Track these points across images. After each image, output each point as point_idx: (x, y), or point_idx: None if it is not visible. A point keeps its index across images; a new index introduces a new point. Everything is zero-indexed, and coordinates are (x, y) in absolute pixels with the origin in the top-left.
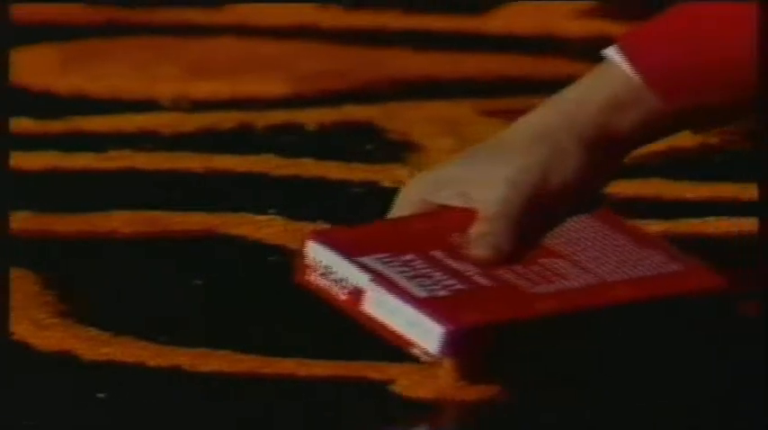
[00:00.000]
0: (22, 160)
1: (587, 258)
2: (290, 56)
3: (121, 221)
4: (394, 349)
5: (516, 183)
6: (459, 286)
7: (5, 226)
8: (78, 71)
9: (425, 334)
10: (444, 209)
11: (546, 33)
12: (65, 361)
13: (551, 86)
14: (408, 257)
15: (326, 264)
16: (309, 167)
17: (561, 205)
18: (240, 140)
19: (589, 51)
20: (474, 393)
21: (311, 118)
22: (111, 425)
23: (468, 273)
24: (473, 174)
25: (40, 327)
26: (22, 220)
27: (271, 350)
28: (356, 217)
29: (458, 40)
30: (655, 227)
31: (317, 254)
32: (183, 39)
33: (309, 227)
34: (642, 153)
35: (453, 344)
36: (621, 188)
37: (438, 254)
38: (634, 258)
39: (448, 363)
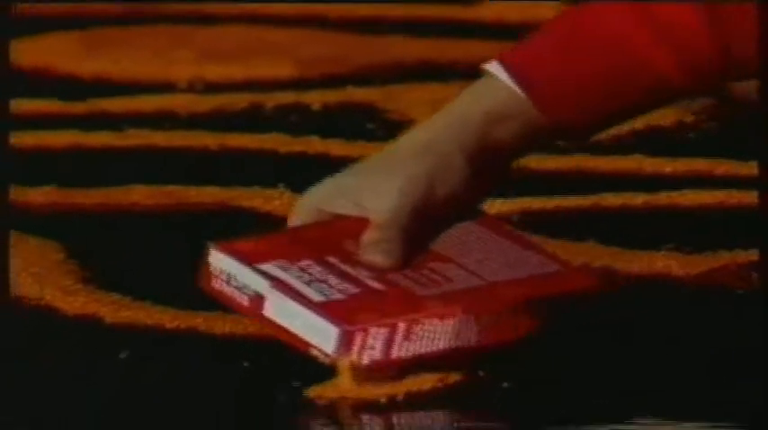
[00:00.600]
0: (48, 138)
1: (473, 261)
2: (296, 42)
3: (140, 195)
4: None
5: (405, 192)
6: (353, 290)
7: (5, 198)
8: (100, 56)
9: (322, 335)
10: (339, 217)
11: (533, 22)
12: (89, 323)
13: None
14: (305, 263)
15: (229, 272)
16: (315, 145)
17: (448, 212)
18: (251, 120)
19: None
20: (372, 392)
21: (316, 99)
22: (132, 381)
23: (361, 278)
24: (365, 184)
25: (66, 293)
26: (46, 194)
27: None
28: None
29: (451, 28)
30: (637, 199)
31: (219, 262)
32: (197, 27)
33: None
34: (623, 131)
35: (348, 344)
36: (604, 163)
37: (333, 259)
38: (516, 260)
39: (345, 364)
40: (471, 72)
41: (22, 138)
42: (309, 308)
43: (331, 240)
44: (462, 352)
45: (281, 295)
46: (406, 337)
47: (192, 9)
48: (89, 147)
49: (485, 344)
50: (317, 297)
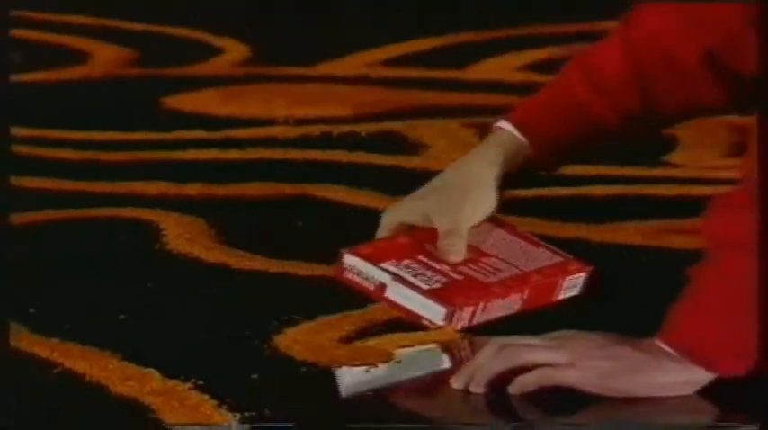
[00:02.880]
0: (200, 154)
1: (507, 256)
2: (352, 93)
3: (258, 189)
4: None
5: (457, 211)
6: (444, 280)
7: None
8: (230, 103)
9: (433, 312)
10: (414, 228)
11: (505, 82)
12: (221, 269)
13: (500, 112)
14: (406, 262)
15: (359, 268)
16: (362, 157)
17: (481, 221)
18: (323, 142)
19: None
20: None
21: (364, 129)
22: (168, 306)
23: (444, 271)
24: (430, 206)
25: (207, 249)
26: (198, 188)
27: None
28: (385, 182)
29: (451, 83)
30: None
31: (350, 261)
32: (290, 83)
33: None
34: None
35: (450, 318)
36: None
37: (423, 258)
38: (534, 254)
39: (447, 329)
40: (462, 112)
41: (185, 154)
42: (421, 293)
43: (417, 245)
44: (511, 316)
45: (400, 285)
46: (483, 311)
47: (286, 72)
48: (223, 159)
49: (526, 309)
50: (423, 285)
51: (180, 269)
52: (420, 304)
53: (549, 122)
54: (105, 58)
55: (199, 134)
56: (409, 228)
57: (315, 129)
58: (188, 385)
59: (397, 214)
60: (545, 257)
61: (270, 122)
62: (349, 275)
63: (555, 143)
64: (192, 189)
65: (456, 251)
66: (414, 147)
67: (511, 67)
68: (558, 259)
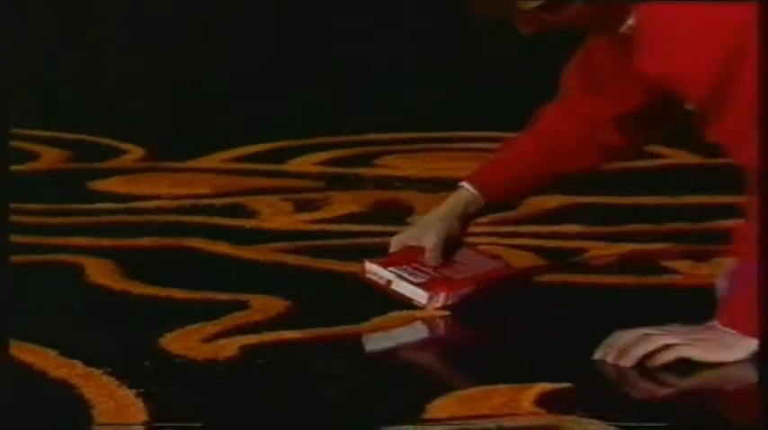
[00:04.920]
0: (107, 218)
1: (467, 263)
2: (211, 178)
3: (146, 240)
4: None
5: (437, 237)
6: (428, 277)
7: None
8: (132, 185)
9: (420, 296)
10: (411, 247)
11: (309, 172)
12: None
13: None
14: (405, 267)
15: (375, 271)
16: (219, 220)
17: (452, 244)
18: (192, 210)
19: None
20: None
21: (218, 201)
22: (89, 318)
23: (429, 272)
24: (421, 232)
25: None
26: (108, 242)
27: None
28: (233, 237)
29: (274, 173)
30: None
31: (370, 267)
32: (170, 172)
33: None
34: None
35: (430, 300)
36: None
37: (417, 265)
38: (484, 262)
39: (427, 307)
40: (284, 191)
41: (101, 219)
42: (413, 285)
43: (412, 257)
44: (470, 296)
45: (400, 280)
46: (453, 296)
47: (168, 165)
48: (127, 221)
49: (473, 298)
50: (415, 280)
51: (97, 295)
52: (412, 292)
53: (496, 179)
54: (50, 157)
55: (110, 206)
56: (409, 247)
57: (186, 202)
58: (101, 371)
59: (400, 238)
60: (490, 263)
61: (157, 197)
62: (368, 275)
63: (501, 193)
64: (105, 241)
65: (435, 259)
66: (251, 214)
67: (313, 162)
68: (497, 264)
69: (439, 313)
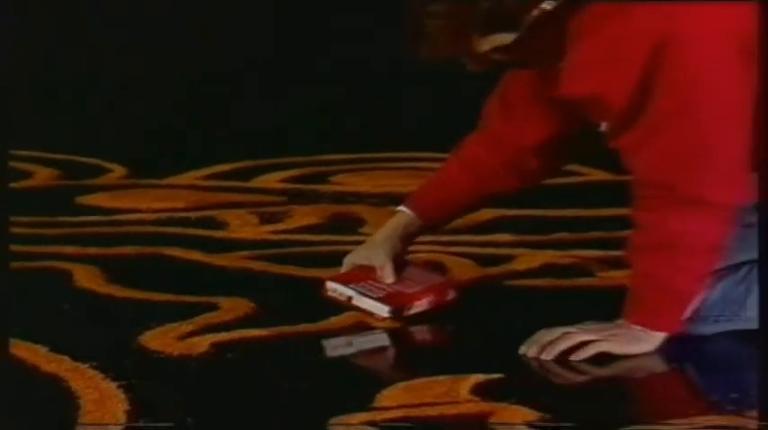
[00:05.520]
0: (93, 230)
1: (416, 279)
2: (187, 194)
3: (128, 249)
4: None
5: (385, 256)
6: (383, 293)
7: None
8: (116, 200)
9: (381, 310)
10: (362, 266)
11: (271, 188)
12: None
13: (271, 205)
14: (362, 283)
15: (335, 288)
16: (193, 231)
17: (398, 261)
18: (169, 222)
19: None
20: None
21: (193, 214)
22: (78, 317)
23: (384, 288)
24: (370, 252)
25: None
26: (95, 251)
27: None
28: (206, 246)
29: (241, 189)
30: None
31: (331, 284)
32: (150, 189)
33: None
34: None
35: (392, 313)
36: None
37: (372, 282)
38: (430, 278)
39: (388, 317)
40: (251, 206)
41: (87, 230)
42: (375, 299)
43: (366, 275)
44: (423, 312)
45: (360, 296)
46: (408, 309)
47: (148, 182)
48: (111, 232)
49: (428, 309)
50: (375, 295)
51: (84, 297)
52: (372, 306)
53: (430, 202)
54: (42, 175)
55: (96, 218)
56: (361, 267)
57: (164, 215)
58: (87, 365)
59: (352, 258)
60: (437, 278)
61: (138, 211)
62: (329, 293)
63: (436, 215)
64: (91, 250)
65: (388, 276)
66: (222, 225)
67: (276, 179)
68: (443, 278)
69: (390, 320)
